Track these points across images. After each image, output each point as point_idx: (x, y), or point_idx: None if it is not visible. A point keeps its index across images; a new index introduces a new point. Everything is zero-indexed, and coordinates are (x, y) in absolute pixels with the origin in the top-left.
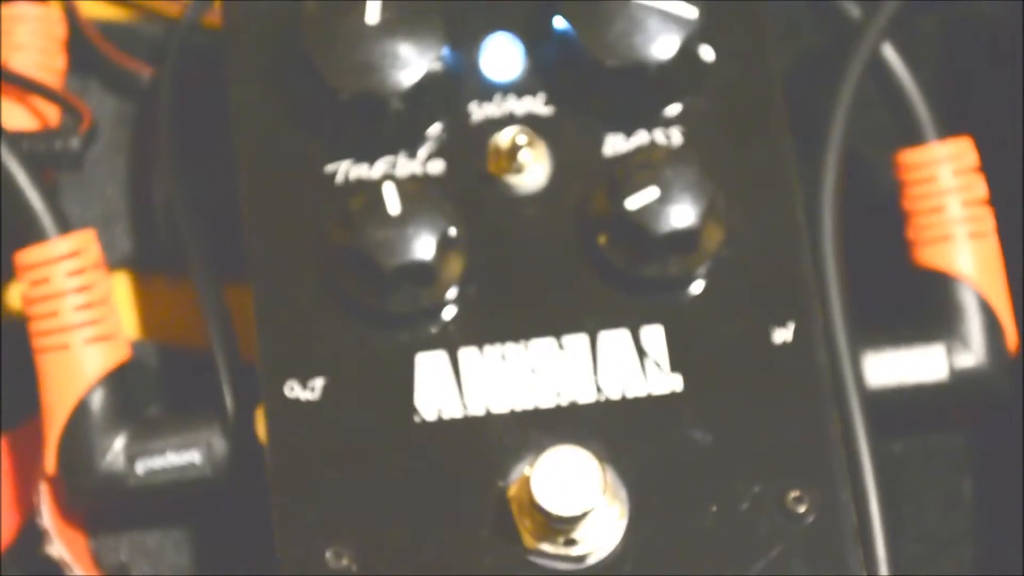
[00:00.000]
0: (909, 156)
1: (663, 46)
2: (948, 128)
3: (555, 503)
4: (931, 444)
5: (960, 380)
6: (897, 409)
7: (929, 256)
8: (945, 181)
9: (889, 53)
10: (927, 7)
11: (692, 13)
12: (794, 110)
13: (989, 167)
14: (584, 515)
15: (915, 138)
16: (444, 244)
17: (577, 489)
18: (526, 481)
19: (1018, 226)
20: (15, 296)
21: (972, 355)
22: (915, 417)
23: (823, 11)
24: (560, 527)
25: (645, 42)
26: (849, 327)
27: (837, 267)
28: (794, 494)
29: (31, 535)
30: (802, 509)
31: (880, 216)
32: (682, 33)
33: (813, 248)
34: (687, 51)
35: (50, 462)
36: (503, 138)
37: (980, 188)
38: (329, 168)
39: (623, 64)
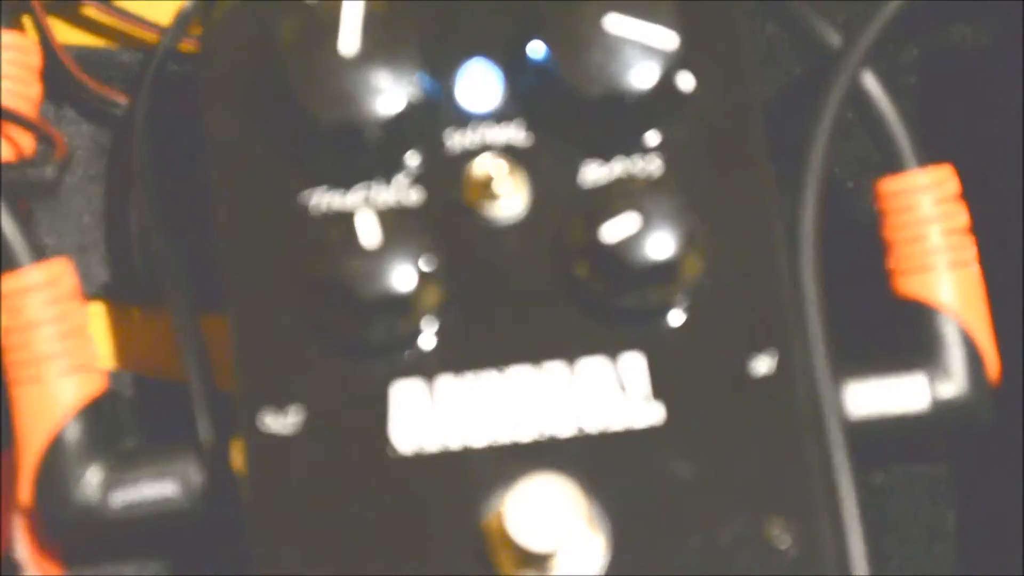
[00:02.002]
0: (889, 184)
1: (642, 76)
2: (929, 156)
3: (530, 537)
4: (913, 475)
5: (942, 410)
6: (879, 440)
7: (910, 286)
8: (926, 210)
9: (869, 81)
10: (908, 36)
11: (671, 42)
12: (774, 138)
13: (970, 195)
14: (559, 549)
15: (895, 166)
16: (421, 275)
17: (553, 522)
18: (502, 513)
19: (1000, 254)
20: None
21: (954, 385)
22: (897, 448)
23: (803, 39)
24: (536, 561)
25: (624, 71)
26: (830, 357)
27: (818, 296)
28: (776, 527)
29: (6, 569)
30: (784, 542)
31: (860, 245)
32: (661, 62)
33: (793, 277)
34: (666, 80)
35: (25, 494)
36: (480, 167)
37: (961, 216)
38: (306, 197)
39: (602, 93)
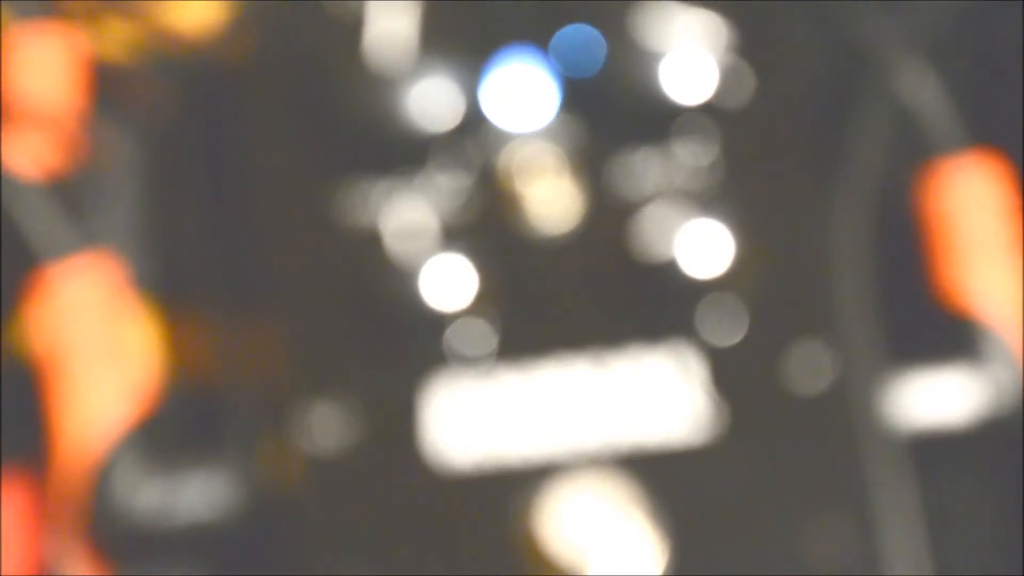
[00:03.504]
0: (933, 176)
1: (693, 89)
2: (973, 148)
3: (571, 547)
4: (965, 483)
5: (991, 415)
6: (927, 450)
7: (955, 283)
8: (972, 207)
9: (912, 73)
10: (951, 30)
11: (721, 53)
12: (821, 142)
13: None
14: (598, 556)
15: (938, 158)
16: (470, 289)
17: (594, 532)
18: (544, 525)
19: None
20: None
21: (1002, 390)
22: (949, 456)
23: (847, 36)
24: (574, 567)
25: (675, 85)
26: (882, 367)
27: (870, 305)
28: (828, 539)
29: None
30: (836, 554)
31: (906, 246)
32: (711, 76)
33: (846, 285)
34: (716, 94)
35: (68, 506)
36: (530, 180)
37: (1008, 210)
38: (352, 208)
39: (656, 104)
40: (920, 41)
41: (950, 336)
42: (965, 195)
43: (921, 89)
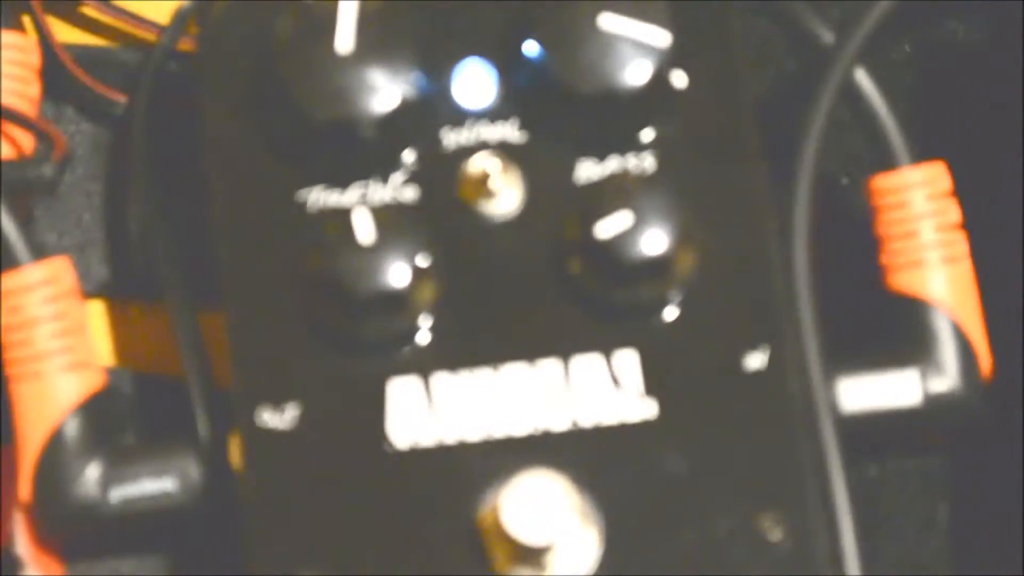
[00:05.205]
0: (882, 181)
1: (635, 73)
2: (921, 153)
3: (525, 532)
4: (906, 468)
5: (934, 405)
6: (871, 434)
7: (902, 281)
8: (918, 206)
9: (861, 78)
10: (900, 33)
11: (664, 40)
12: (767, 135)
13: (962, 191)
14: (555, 545)
15: (888, 163)
16: (417, 272)
17: (548, 516)
18: (497, 508)
19: (993, 250)
20: None
21: (946, 380)
22: (889, 442)
23: (795, 36)
24: (531, 557)
25: (617, 69)
26: (822, 352)
27: (810, 292)
28: (768, 521)
29: (5, 565)
30: (777, 535)
31: (853, 241)
32: (654, 60)
33: (786, 273)
34: (659, 78)
35: (24, 490)
36: (475, 165)
37: (954, 213)
38: (302, 195)
39: (595, 91)
40: (868, 48)
41: (895, 324)
42: (914, 193)
43: (871, 89)
